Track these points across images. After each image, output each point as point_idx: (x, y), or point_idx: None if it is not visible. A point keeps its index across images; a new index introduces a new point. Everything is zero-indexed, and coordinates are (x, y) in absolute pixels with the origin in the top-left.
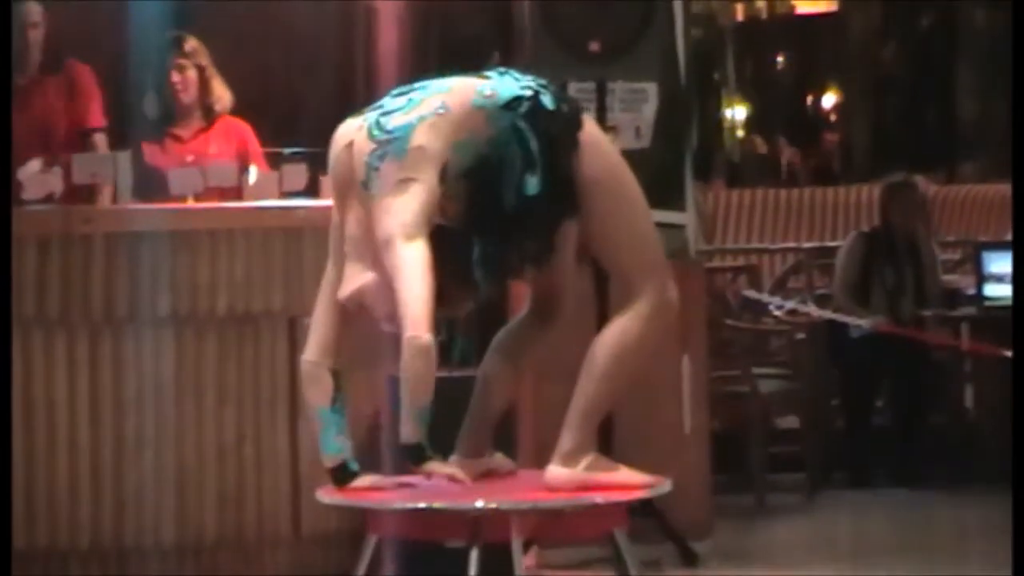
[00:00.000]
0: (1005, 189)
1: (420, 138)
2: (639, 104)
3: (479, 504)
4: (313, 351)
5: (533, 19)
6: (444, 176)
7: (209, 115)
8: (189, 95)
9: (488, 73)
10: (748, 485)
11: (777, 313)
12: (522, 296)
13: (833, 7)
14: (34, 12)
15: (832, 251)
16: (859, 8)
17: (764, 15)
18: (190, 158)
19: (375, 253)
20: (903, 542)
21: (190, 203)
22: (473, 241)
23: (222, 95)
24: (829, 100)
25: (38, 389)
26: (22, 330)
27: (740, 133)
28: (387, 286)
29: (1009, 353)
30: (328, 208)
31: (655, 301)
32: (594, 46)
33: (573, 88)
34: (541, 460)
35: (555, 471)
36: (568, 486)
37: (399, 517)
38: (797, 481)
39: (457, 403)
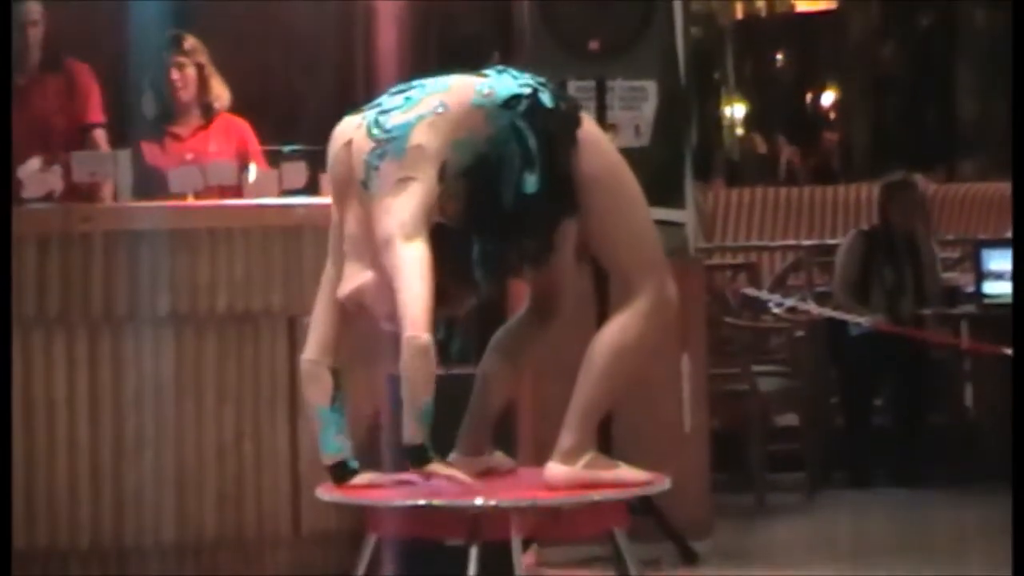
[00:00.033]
0: (1004, 187)
1: (419, 137)
2: (639, 102)
3: (479, 502)
4: (313, 350)
5: (533, 18)
6: (443, 175)
7: (208, 113)
8: (188, 93)
9: (486, 72)
10: (748, 484)
11: (776, 311)
12: (521, 295)
13: (832, 6)
14: (34, 10)
15: (832, 249)
16: (859, 7)
17: (764, 13)
18: (189, 156)
19: (374, 252)
20: (903, 541)
21: (190, 201)
22: (472, 240)
23: (221, 93)
24: (829, 98)
25: (38, 389)
26: (22, 329)
27: (740, 131)
28: (386, 285)
29: (1009, 351)
30: (328, 206)
31: (654, 299)
32: (594, 45)
33: (573, 86)
34: (541, 458)
35: (554, 469)
36: (567, 484)
37: (398, 514)
38: (797, 480)
39: (456, 401)
